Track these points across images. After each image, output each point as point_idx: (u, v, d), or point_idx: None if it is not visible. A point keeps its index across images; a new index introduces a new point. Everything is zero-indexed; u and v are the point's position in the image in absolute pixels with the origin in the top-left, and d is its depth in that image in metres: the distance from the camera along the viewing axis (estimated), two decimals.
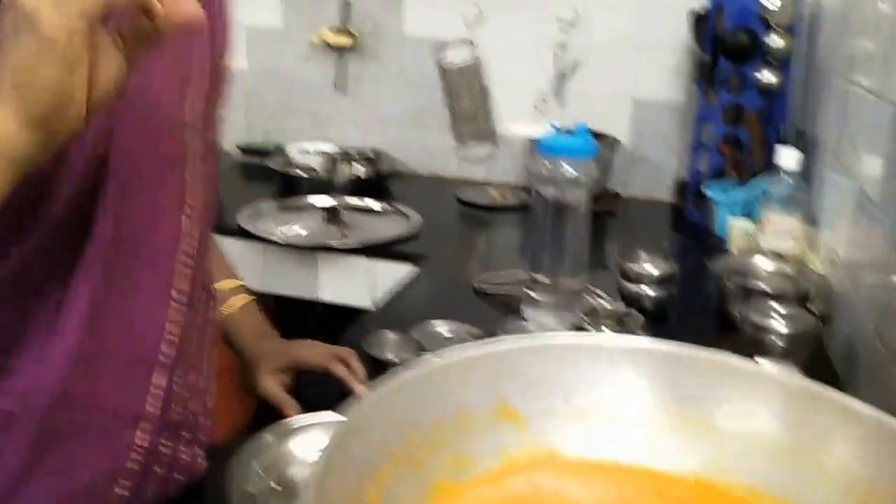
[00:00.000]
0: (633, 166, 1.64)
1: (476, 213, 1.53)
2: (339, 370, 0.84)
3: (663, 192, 1.64)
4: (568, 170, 0.95)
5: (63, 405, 0.57)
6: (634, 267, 1.09)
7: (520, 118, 1.67)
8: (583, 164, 0.96)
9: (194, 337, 0.66)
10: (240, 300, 0.90)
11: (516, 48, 1.64)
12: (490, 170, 1.74)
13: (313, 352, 0.87)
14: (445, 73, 1.68)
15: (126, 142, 0.57)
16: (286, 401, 0.82)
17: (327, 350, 0.87)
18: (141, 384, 0.61)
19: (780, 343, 0.88)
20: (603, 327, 0.92)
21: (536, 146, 0.97)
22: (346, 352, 0.86)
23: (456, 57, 1.66)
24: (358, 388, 0.82)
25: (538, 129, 1.02)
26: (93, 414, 0.59)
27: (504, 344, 0.47)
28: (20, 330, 0.56)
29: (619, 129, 1.61)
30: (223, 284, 0.87)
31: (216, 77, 0.68)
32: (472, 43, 1.65)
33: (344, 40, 1.71)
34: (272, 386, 0.84)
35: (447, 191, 1.64)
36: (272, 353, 0.87)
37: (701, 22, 1.43)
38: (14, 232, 0.53)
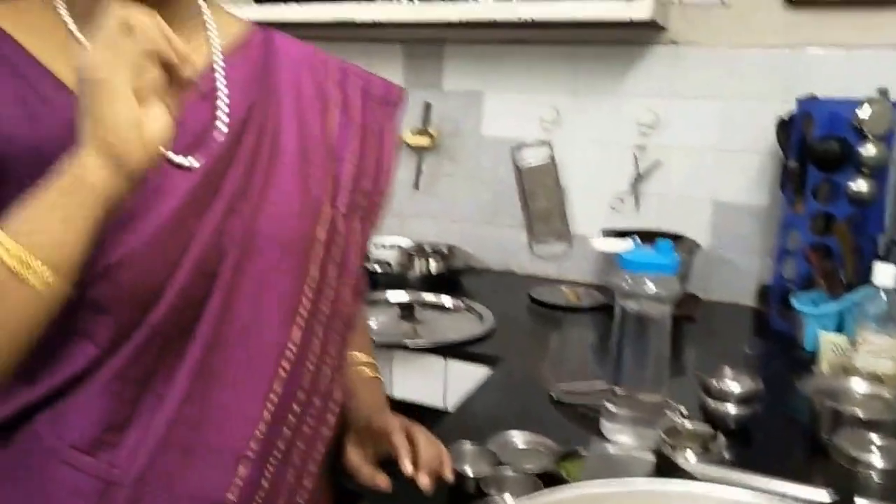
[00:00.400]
0: (714, 269, 1.60)
1: (550, 312, 1.51)
2: (398, 441, 0.81)
3: (745, 296, 1.58)
4: (650, 286, 0.94)
5: (148, 484, 0.62)
6: (717, 383, 1.04)
7: (596, 218, 1.67)
8: (665, 279, 0.94)
9: (297, 436, 0.69)
10: (364, 372, 0.89)
11: (593, 149, 1.66)
12: (564, 268, 1.73)
13: (389, 420, 0.85)
14: (521, 172, 1.71)
15: (237, 254, 0.65)
16: (368, 475, 0.81)
17: (401, 421, 0.85)
18: (226, 474, 0.64)
19: (876, 479, 0.82)
20: (687, 451, 0.88)
21: (618, 260, 0.96)
22: (417, 427, 0.83)
23: (532, 156, 1.69)
24: (406, 466, 0.78)
25: (615, 242, 1.00)
26: (176, 496, 0.63)
27: (593, 487, 0.45)
28: (129, 413, 0.62)
29: (698, 230, 1.58)
30: (353, 357, 0.88)
31: (359, 194, 0.75)
32: (548, 143, 1.68)
33: (423, 141, 1.77)
34: (355, 459, 0.83)
35: (520, 288, 1.64)
36: (364, 422, 0.85)
37: (787, 128, 1.41)
38: (125, 330, 0.61)
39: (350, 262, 0.74)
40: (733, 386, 1.03)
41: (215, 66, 0.69)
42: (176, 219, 0.61)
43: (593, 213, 1.68)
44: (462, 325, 1.40)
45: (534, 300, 1.56)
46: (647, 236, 1.57)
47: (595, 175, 1.67)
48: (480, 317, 1.42)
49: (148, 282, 0.61)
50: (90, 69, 0.51)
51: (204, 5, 0.71)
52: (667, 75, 1.57)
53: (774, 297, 1.43)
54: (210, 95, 0.68)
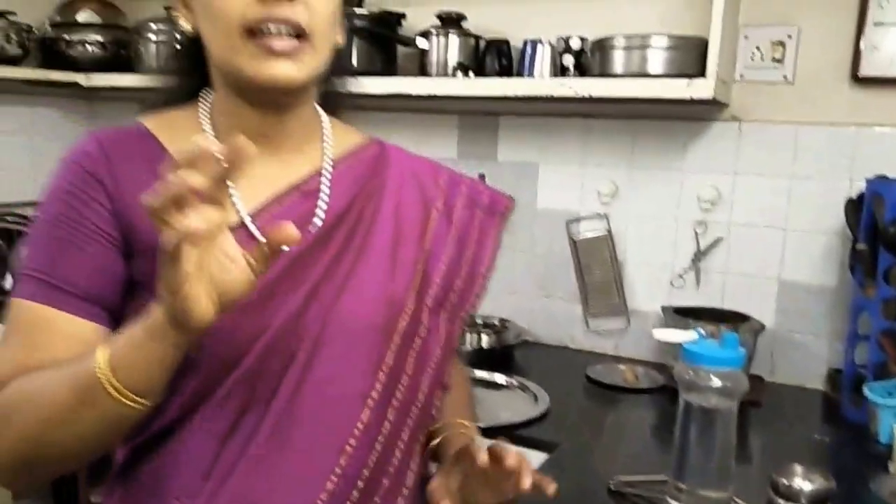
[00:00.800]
0: (780, 351, 1.54)
1: (607, 393, 1.47)
2: (493, 446, 0.75)
3: (814, 380, 1.51)
4: (715, 380, 0.90)
5: None
6: (788, 482, 0.98)
7: (654, 294, 1.63)
8: (731, 374, 0.90)
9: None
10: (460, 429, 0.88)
11: (652, 223, 1.63)
12: (621, 344, 1.68)
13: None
14: (577, 244, 1.69)
15: (314, 335, 0.72)
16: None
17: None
18: None
19: None
20: None
21: (681, 352, 0.92)
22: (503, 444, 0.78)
23: (588, 229, 1.68)
24: (481, 456, 0.74)
25: (677, 333, 0.97)
26: None
27: None
28: (210, 466, 0.71)
29: (762, 310, 1.53)
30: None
31: (449, 292, 0.82)
32: (605, 216, 1.66)
33: None
34: (435, 488, 0.79)
35: (575, 364, 1.60)
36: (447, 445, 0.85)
37: (856, 208, 1.36)
38: (209, 389, 0.70)
39: (431, 354, 0.80)
40: (804, 485, 0.97)
41: (324, 168, 0.80)
42: (261, 297, 0.69)
43: (652, 288, 1.64)
44: (516, 404, 1.36)
45: (590, 379, 1.51)
46: (710, 314, 1.53)
47: (654, 250, 1.64)
48: (535, 397, 1.38)
49: (230, 351, 0.70)
50: (169, 273, 0.56)
51: (325, 119, 0.83)
52: (729, 151, 1.55)
53: (846, 383, 1.36)
54: (313, 193, 0.78)
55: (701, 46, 1.40)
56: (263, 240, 0.60)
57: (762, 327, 1.47)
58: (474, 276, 0.84)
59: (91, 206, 0.71)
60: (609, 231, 1.66)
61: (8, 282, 1.89)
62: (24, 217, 2.01)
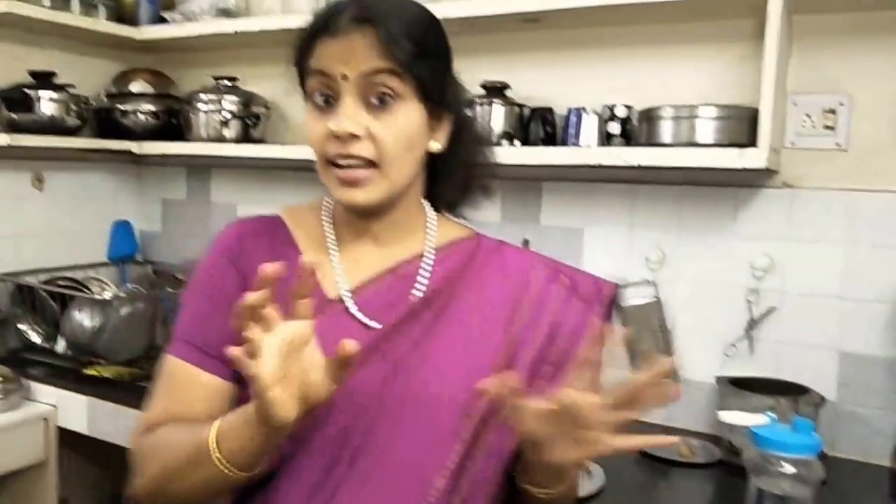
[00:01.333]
0: (842, 425, 1.47)
1: (662, 467, 1.42)
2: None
3: (880, 455, 1.44)
4: (787, 467, 0.86)
5: None
6: None
7: (706, 363, 1.59)
8: (806, 461, 0.86)
9: None
10: None
11: (702, 291, 1.60)
12: (672, 414, 1.63)
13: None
14: (624, 311, 1.66)
15: (393, 408, 0.81)
16: None
17: None
18: None
19: None
20: None
21: (752, 436, 0.89)
22: None
23: (636, 296, 1.65)
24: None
25: (746, 416, 0.94)
26: None
27: None
28: None
29: (821, 381, 1.47)
30: None
31: (535, 377, 0.85)
32: (653, 283, 1.63)
33: None
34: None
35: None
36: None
37: None
38: (297, 445, 0.81)
39: (507, 435, 0.83)
40: None
41: (424, 255, 0.90)
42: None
43: (703, 357, 1.60)
44: None
45: (644, 453, 1.47)
46: (767, 386, 1.48)
47: (705, 318, 1.60)
48: (588, 471, 1.34)
49: (321, 414, 0.78)
50: (259, 380, 0.66)
51: (431, 214, 0.94)
52: (781, 218, 1.52)
53: None
54: (409, 277, 0.88)
55: (750, 115, 1.40)
56: (359, 315, 0.80)
57: (822, 400, 1.42)
58: (562, 364, 0.86)
59: (227, 279, 0.88)
60: (658, 298, 1.63)
61: (60, 345, 1.92)
62: (75, 281, 2.05)
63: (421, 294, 0.87)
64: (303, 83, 0.88)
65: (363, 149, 0.81)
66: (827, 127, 1.48)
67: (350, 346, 0.67)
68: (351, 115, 0.80)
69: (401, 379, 0.83)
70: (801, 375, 1.49)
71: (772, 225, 1.53)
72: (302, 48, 0.86)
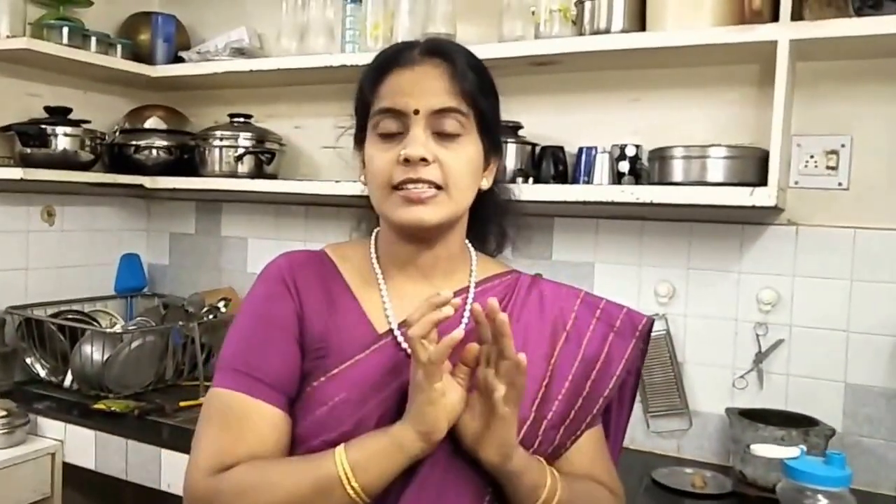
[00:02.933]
0: (848, 455, 1.50)
1: (675, 499, 1.44)
2: None
3: (885, 485, 1.48)
4: (822, 500, 0.89)
5: None
6: None
7: (715, 395, 1.62)
8: (839, 493, 0.90)
9: None
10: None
11: (711, 324, 1.64)
12: (683, 446, 1.66)
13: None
14: None
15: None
16: None
17: None
18: None
19: None
20: None
21: (785, 468, 0.92)
22: None
23: None
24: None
25: (779, 449, 0.97)
26: None
27: None
28: None
29: (827, 412, 1.51)
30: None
31: (570, 409, 0.89)
32: (663, 317, 1.67)
33: None
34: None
35: (637, 466, 1.57)
36: None
37: None
38: None
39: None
40: None
41: (469, 290, 0.94)
42: (400, 398, 0.83)
43: (713, 389, 1.63)
44: None
45: (656, 483, 1.49)
46: (776, 417, 1.51)
47: (714, 351, 1.64)
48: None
49: None
50: (422, 393, 0.78)
51: (474, 254, 0.98)
52: (786, 254, 1.57)
53: None
54: (458, 313, 0.89)
55: (758, 155, 1.46)
56: (406, 345, 0.85)
57: (833, 432, 1.46)
58: (595, 396, 0.90)
59: (282, 307, 0.89)
60: (668, 331, 1.67)
61: (67, 379, 1.90)
62: (83, 314, 2.05)
63: (465, 327, 0.89)
64: (362, 116, 0.91)
65: (431, 172, 0.84)
66: (829, 167, 1.54)
67: (457, 333, 0.75)
68: (422, 143, 0.84)
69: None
70: (808, 406, 1.53)
71: (777, 261, 1.58)
72: (370, 81, 0.89)
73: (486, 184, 0.93)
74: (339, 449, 0.79)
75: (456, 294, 0.91)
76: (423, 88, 0.85)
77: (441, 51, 0.88)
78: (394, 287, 0.93)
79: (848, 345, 1.53)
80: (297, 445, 0.87)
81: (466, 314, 0.91)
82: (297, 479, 0.79)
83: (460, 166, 0.86)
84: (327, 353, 0.87)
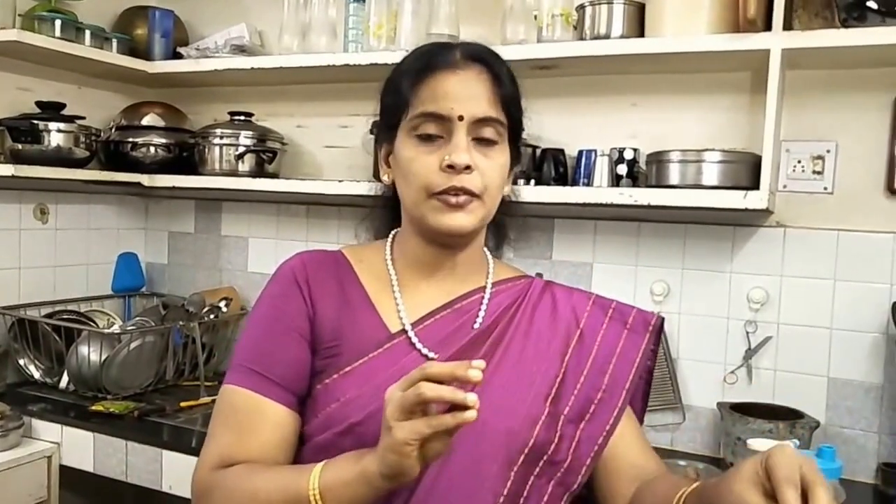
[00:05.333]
0: (830, 445, 1.60)
1: None
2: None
3: (864, 473, 1.57)
4: None
5: None
6: None
7: (708, 390, 1.70)
8: (828, 484, 0.95)
9: None
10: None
11: (704, 322, 1.71)
12: (677, 439, 1.73)
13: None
14: None
15: (455, 438, 0.80)
16: None
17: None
18: None
19: None
20: None
21: None
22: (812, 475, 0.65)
23: None
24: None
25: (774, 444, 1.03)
26: None
27: None
28: None
29: (811, 405, 1.59)
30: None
31: (584, 402, 0.91)
32: (658, 314, 1.73)
33: None
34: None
35: None
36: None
37: None
38: None
39: (560, 461, 0.89)
40: None
41: (485, 293, 0.96)
42: None
43: (705, 385, 1.70)
44: None
45: None
46: (765, 411, 1.59)
47: (706, 348, 1.71)
48: None
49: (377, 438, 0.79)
50: (391, 436, 0.71)
51: (490, 259, 1.01)
52: (775, 255, 1.65)
53: None
54: (468, 311, 0.94)
55: (750, 160, 1.52)
56: (422, 347, 0.88)
57: (817, 424, 1.54)
58: (612, 390, 0.93)
59: (293, 307, 0.91)
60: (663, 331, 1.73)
61: (63, 381, 1.88)
62: (79, 314, 2.02)
63: (480, 326, 0.92)
64: (394, 114, 0.91)
65: (472, 181, 0.86)
66: (815, 172, 1.62)
67: (475, 374, 0.69)
68: (466, 150, 0.86)
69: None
70: (794, 400, 1.61)
71: (766, 261, 1.66)
72: (409, 80, 0.89)
73: (506, 190, 0.96)
74: (317, 469, 0.79)
75: (472, 294, 0.95)
76: (468, 95, 0.87)
77: (483, 57, 0.90)
78: (409, 288, 0.94)
79: (831, 341, 1.61)
80: (306, 441, 0.89)
81: (482, 314, 0.94)
82: (275, 487, 0.80)
83: (496, 174, 0.89)
84: (340, 352, 0.89)
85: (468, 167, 0.85)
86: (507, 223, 1.05)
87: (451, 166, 0.85)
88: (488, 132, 0.88)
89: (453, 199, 0.86)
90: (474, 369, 0.70)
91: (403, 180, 0.90)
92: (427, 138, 0.87)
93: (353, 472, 0.76)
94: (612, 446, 0.92)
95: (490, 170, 0.88)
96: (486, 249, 1.01)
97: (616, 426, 0.93)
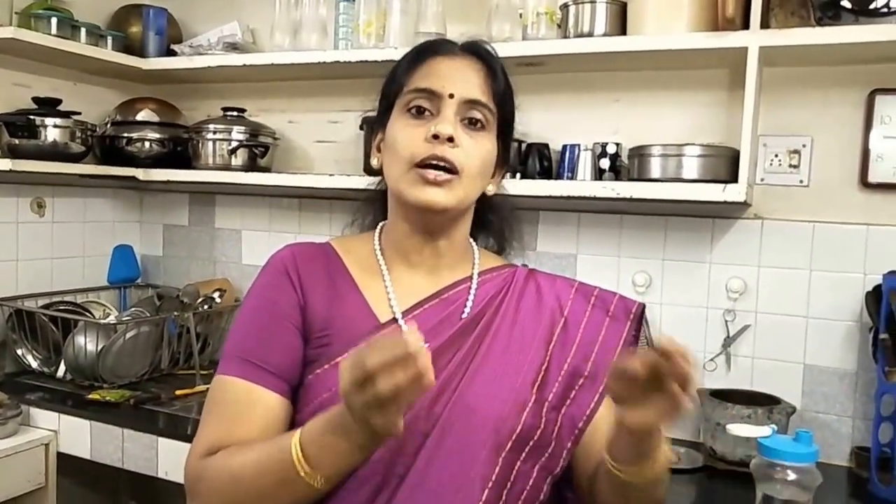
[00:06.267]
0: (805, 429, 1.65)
1: None
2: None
3: (838, 457, 1.63)
4: (791, 475, 0.99)
5: None
6: None
7: None
8: (806, 469, 0.99)
9: None
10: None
11: (684, 311, 1.76)
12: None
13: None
14: None
15: (444, 420, 0.86)
16: None
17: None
18: None
19: None
20: None
21: (759, 446, 1.02)
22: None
23: None
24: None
25: (753, 429, 1.08)
26: None
27: None
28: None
29: (788, 391, 1.65)
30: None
31: (567, 389, 0.93)
32: (639, 302, 1.78)
33: None
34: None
35: None
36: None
37: (877, 300, 1.51)
38: (355, 479, 0.84)
39: (544, 446, 0.91)
40: None
41: (471, 282, 0.98)
42: None
43: None
44: None
45: None
46: (743, 397, 1.64)
47: (686, 336, 1.74)
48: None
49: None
50: (348, 394, 0.72)
51: (476, 250, 1.04)
52: (753, 246, 1.70)
53: (874, 463, 1.48)
54: (456, 300, 0.96)
55: (729, 154, 1.57)
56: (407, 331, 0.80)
57: (794, 409, 1.59)
58: (595, 375, 0.95)
59: (284, 297, 0.92)
60: (644, 318, 1.78)
61: (60, 370, 1.92)
62: (75, 304, 2.06)
63: (467, 316, 0.94)
64: (389, 98, 0.95)
65: (454, 153, 0.88)
66: (792, 166, 1.67)
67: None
68: (452, 123, 0.89)
69: (448, 397, 0.88)
70: (771, 386, 1.66)
71: (744, 252, 1.71)
72: (406, 64, 0.94)
73: (491, 189, 0.99)
74: (298, 431, 0.79)
75: (459, 283, 0.98)
76: (461, 78, 0.91)
77: (481, 51, 0.95)
78: (397, 278, 0.97)
79: (807, 330, 1.66)
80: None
81: (469, 304, 0.96)
82: (258, 457, 0.81)
83: (479, 154, 0.91)
84: (331, 342, 0.90)
85: (451, 139, 0.88)
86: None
87: (435, 136, 0.88)
88: (477, 114, 0.91)
89: (431, 175, 0.88)
90: (412, 336, 0.70)
91: (391, 156, 0.92)
92: (418, 113, 0.91)
93: (331, 433, 0.77)
94: (590, 431, 0.95)
95: (473, 149, 0.90)
96: (471, 240, 1.04)
97: (596, 411, 0.95)
